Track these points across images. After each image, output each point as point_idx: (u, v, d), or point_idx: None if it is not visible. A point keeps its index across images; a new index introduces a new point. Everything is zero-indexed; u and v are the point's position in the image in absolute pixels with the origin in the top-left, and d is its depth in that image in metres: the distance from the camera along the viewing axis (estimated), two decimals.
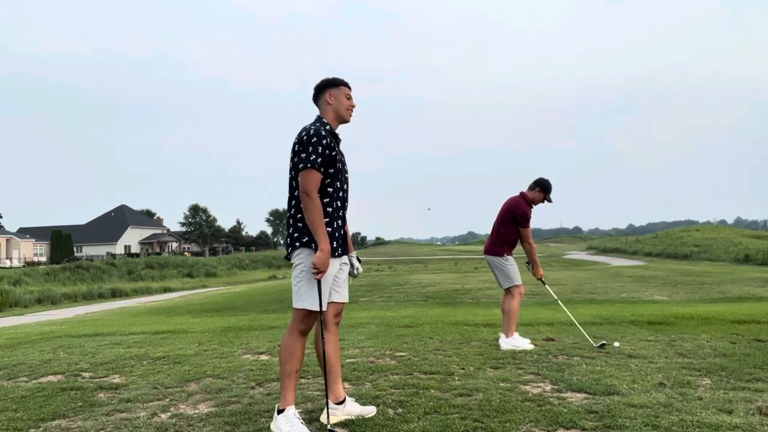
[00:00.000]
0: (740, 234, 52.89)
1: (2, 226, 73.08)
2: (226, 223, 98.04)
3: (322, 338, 3.33)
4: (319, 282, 3.18)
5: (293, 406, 3.21)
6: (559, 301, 6.42)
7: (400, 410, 3.54)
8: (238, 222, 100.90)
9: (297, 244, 3.22)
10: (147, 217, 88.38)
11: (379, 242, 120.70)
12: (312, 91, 3.47)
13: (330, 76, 3.46)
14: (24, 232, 71.12)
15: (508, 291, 5.81)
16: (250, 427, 3.31)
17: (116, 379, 4.67)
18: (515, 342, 5.54)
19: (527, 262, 5.96)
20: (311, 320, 3.26)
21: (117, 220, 79.43)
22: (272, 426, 3.18)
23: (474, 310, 10.77)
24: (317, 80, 3.47)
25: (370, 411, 3.45)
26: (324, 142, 3.20)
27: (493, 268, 5.92)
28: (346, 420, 3.36)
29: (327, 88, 3.41)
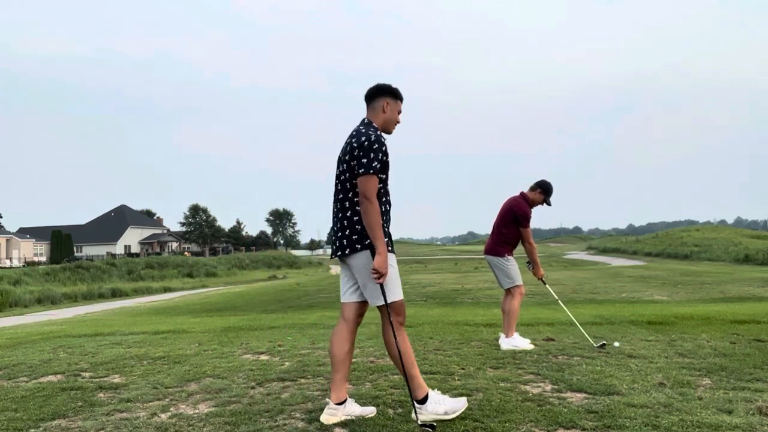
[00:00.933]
0: (740, 234, 52.89)
1: (2, 226, 73.08)
2: (226, 223, 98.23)
3: (394, 335, 3.31)
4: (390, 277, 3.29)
5: (430, 390, 3.33)
6: (559, 301, 6.43)
7: (400, 410, 3.54)
8: (238, 222, 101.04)
9: (358, 246, 3.31)
10: (147, 217, 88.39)
11: None
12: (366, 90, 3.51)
13: (386, 82, 3.52)
14: (24, 232, 71.13)
15: (509, 291, 5.81)
16: (250, 427, 3.31)
17: (116, 379, 4.67)
18: (515, 342, 5.54)
19: (528, 262, 5.96)
20: (402, 309, 3.37)
21: (117, 220, 79.43)
22: (423, 417, 3.21)
23: (474, 310, 10.77)
24: (380, 81, 3.55)
25: (370, 411, 3.46)
26: (383, 148, 3.32)
27: (494, 268, 5.92)
28: (346, 420, 3.36)
29: (386, 96, 3.50)
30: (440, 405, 3.27)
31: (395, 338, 3.29)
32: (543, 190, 5.82)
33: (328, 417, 3.35)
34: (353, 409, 3.42)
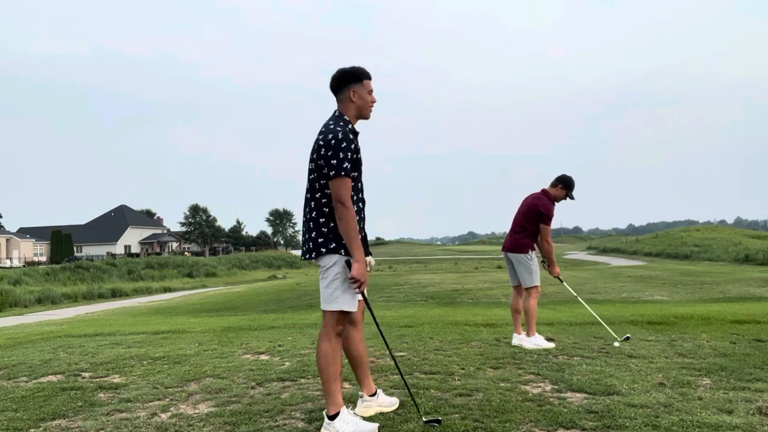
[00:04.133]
0: (740, 234, 52.86)
1: (2, 226, 73.07)
2: (226, 223, 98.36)
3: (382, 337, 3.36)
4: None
5: (344, 407, 3.17)
6: (579, 298, 6.62)
7: (400, 410, 3.54)
8: (238, 222, 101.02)
9: (323, 249, 3.10)
10: (147, 217, 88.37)
11: (379, 242, 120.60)
12: (330, 81, 3.26)
13: (357, 66, 3.25)
14: (24, 232, 71.13)
15: (527, 290, 5.81)
16: (250, 427, 3.31)
17: (116, 379, 4.67)
18: (537, 341, 5.57)
19: (542, 261, 5.98)
20: (345, 321, 3.21)
21: (117, 220, 79.42)
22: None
23: (474, 310, 10.77)
24: (338, 68, 3.26)
25: (396, 402, 3.61)
26: (352, 146, 3.08)
27: (517, 265, 5.84)
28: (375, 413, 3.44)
29: (350, 84, 3.22)
30: (348, 425, 3.07)
31: (326, 347, 3.13)
32: (564, 185, 5.82)
33: (363, 410, 3.42)
34: (383, 400, 3.54)
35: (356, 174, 3.14)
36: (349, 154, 3.06)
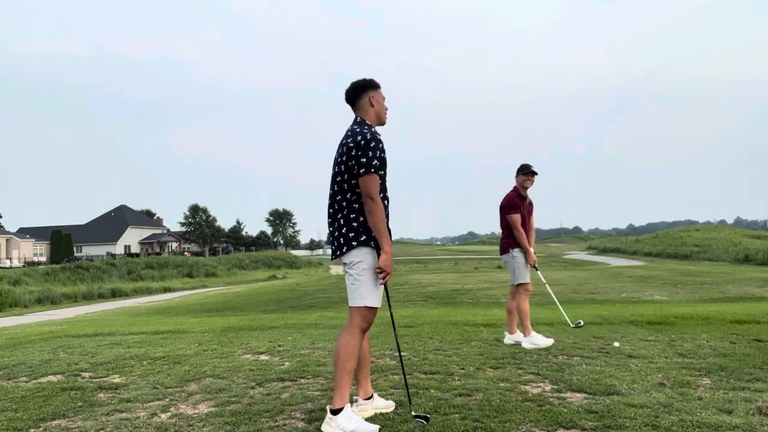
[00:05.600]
0: (740, 234, 52.88)
1: (2, 226, 73.05)
2: (226, 223, 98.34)
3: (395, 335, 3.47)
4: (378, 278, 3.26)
5: (349, 404, 3.24)
6: (546, 285, 6.95)
7: (400, 410, 3.54)
8: (238, 222, 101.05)
9: (354, 243, 3.27)
10: (147, 217, 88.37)
11: None
12: (345, 91, 3.49)
13: (368, 77, 3.49)
14: (24, 232, 71.13)
15: (516, 289, 5.87)
16: (250, 427, 3.31)
17: (116, 379, 4.67)
18: (534, 340, 5.59)
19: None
20: (372, 317, 3.31)
21: (117, 220, 79.42)
22: (327, 428, 3.15)
23: (474, 310, 10.77)
24: (354, 79, 3.49)
25: (391, 405, 3.61)
26: (380, 145, 3.30)
27: (505, 265, 6.09)
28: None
29: (368, 90, 3.46)
30: (350, 422, 3.13)
31: (347, 340, 3.23)
32: (518, 171, 5.94)
33: (359, 413, 3.40)
34: (379, 403, 3.55)
35: (383, 173, 3.35)
36: (378, 152, 3.27)
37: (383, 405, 3.56)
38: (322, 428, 3.16)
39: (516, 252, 5.86)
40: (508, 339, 5.87)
